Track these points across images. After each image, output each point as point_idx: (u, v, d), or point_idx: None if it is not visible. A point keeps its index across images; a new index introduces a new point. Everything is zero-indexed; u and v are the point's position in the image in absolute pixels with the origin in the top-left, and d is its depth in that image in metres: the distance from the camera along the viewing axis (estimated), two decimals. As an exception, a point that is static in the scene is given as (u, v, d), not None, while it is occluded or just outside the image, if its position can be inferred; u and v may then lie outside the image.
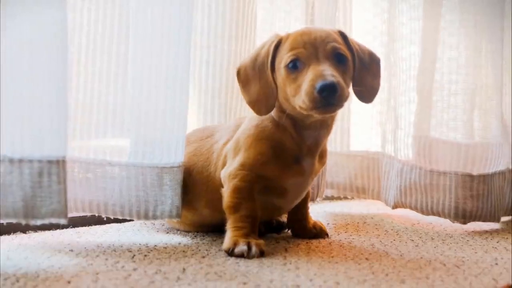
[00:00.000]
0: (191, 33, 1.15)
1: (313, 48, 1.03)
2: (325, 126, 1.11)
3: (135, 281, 0.87)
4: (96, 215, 1.15)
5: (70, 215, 1.24)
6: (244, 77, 1.11)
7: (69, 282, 0.86)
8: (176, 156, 1.14)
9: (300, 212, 1.23)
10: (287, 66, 1.04)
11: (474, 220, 1.38)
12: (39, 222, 0.97)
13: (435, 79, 1.44)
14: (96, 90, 1.15)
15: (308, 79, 1.00)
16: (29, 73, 0.96)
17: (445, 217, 1.39)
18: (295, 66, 1.03)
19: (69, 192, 1.12)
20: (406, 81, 1.46)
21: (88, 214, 1.15)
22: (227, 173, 1.10)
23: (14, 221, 0.97)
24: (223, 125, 1.25)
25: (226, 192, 1.10)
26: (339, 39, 1.08)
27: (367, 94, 1.12)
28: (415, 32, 1.45)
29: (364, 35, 1.60)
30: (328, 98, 0.98)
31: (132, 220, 1.29)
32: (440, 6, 1.44)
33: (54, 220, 0.97)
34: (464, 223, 1.39)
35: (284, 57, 1.05)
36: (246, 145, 1.10)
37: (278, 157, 1.09)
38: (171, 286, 0.85)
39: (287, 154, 1.09)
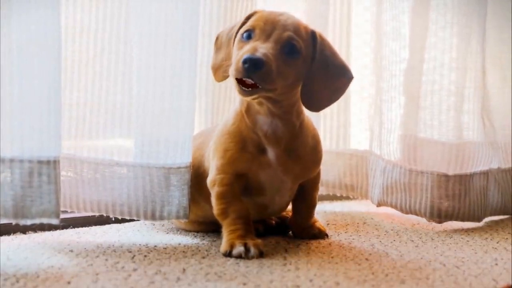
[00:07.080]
0: (198, 31, 1.15)
1: (271, 28, 1.04)
2: (278, 116, 1.08)
3: (135, 281, 0.87)
4: (97, 215, 1.16)
5: (72, 215, 1.25)
6: (219, 43, 1.14)
7: (69, 282, 0.86)
8: (183, 156, 1.14)
9: (302, 217, 1.22)
10: (242, 34, 1.05)
11: (450, 219, 1.38)
12: (29, 222, 0.97)
13: (422, 79, 1.44)
14: (104, 90, 1.15)
15: (243, 49, 1.01)
16: (20, 73, 0.96)
17: (421, 216, 1.39)
18: (248, 36, 1.05)
19: (79, 192, 1.13)
20: (393, 81, 1.45)
21: (97, 214, 1.16)
22: (209, 180, 1.11)
23: (4, 220, 0.97)
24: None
25: (212, 200, 1.10)
26: (304, 35, 1.06)
27: (311, 101, 1.08)
28: (404, 32, 1.44)
29: (362, 34, 1.60)
30: (249, 72, 0.98)
31: (133, 220, 1.28)
32: (428, 8, 1.43)
33: (45, 220, 0.97)
34: (440, 222, 1.39)
35: (244, 27, 1.06)
36: (216, 145, 1.11)
37: (243, 149, 1.09)
38: (171, 286, 0.85)
39: (248, 143, 1.09)
